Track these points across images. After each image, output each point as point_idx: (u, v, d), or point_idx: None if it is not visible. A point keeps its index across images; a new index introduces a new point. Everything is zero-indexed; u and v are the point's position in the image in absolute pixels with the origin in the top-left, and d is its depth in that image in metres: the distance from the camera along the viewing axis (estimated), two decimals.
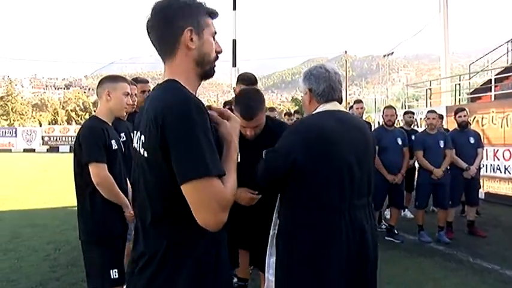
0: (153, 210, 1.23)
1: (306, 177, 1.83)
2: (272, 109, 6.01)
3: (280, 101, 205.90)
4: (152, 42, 1.31)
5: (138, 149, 1.28)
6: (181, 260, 1.21)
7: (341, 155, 1.83)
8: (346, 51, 37.02)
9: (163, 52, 1.30)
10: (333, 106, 1.95)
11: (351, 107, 7.10)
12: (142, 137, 1.22)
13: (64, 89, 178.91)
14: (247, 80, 2.99)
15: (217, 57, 1.36)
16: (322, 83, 1.95)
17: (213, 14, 1.34)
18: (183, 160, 1.12)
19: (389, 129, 5.59)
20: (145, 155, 1.21)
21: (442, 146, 5.46)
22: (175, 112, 1.14)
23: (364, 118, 6.84)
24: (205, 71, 1.34)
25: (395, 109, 5.88)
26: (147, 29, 1.29)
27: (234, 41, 14.66)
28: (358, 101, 6.70)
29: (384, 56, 28.31)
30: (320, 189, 1.82)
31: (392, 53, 28.06)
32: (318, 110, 1.96)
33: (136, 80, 3.61)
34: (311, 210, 1.83)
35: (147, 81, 3.79)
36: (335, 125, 1.87)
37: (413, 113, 7.02)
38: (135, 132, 1.35)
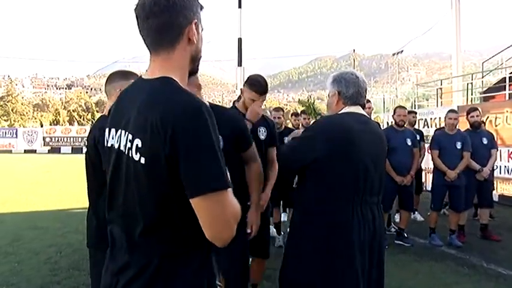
0: (146, 220, 1.16)
1: (325, 172, 2.03)
2: (278, 109, 5.98)
3: (287, 101, 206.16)
4: (145, 29, 1.20)
5: (126, 152, 1.18)
6: (178, 271, 1.16)
7: (359, 155, 2.03)
8: (354, 50, 37.04)
9: (160, 43, 1.20)
10: (356, 109, 2.18)
11: None
12: (137, 141, 1.13)
13: (66, 88, 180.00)
14: (259, 87, 2.80)
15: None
16: (352, 87, 2.18)
17: (202, 8, 1.28)
18: (197, 172, 1.07)
19: (399, 130, 5.57)
20: (142, 161, 1.12)
21: (459, 147, 5.42)
22: (189, 119, 1.08)
23: (372, 118, 6.80)
24: (194, 68, 1.29)
25: (406, 109, 5.86)
26: (146, 14, 1.18)
27: (240, 40, 14.68)
28: (366, 101, 6.65)
29: (393, 54, 28.21)
30: (336, 184, 2.02)
31: (402, 51, 27.95)
32: (343, 111, 2.18)
33: None
34: (326, 201, 2.03)
35: None
36: (356, 127, 2.07)
37: (415, 113, 7.04)
38: (115, 130, 1.25)
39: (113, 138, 1.26)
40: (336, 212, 2.01)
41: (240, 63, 14.66)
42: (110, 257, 1.27)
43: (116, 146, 1.23)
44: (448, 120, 5.58)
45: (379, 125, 6.81)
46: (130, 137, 1.16)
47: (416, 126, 7.04)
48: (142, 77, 1.26)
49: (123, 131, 1.20)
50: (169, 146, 1.07)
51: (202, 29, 1.28)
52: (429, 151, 5.66)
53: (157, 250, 1.16)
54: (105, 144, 1.31)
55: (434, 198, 5.55)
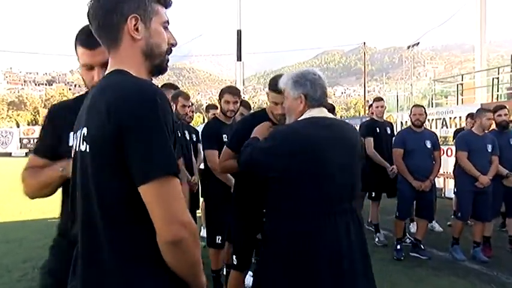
0: (110, 216, 1.17)
1: (289, 185, 2.10)
2: None
3: None
4: (94, 32, 1.30)
5: (78, 149, 1.25)
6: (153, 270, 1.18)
7: (325, 163, 2.09)
8: (364, 43, 37.00)
9: (107, 43, 1.29)
10: (319, 112, 2.22)
11: (370, 106, 7.02)
12: (84, 130, 1.21)
13: (46, 85, 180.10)
14: (273, 85, 2.75)
15: (170, 50, 1.37)
16: (319, 88, 2.23)
17: (165, 2, 1.34)
18: (144, 155, 1.11)
19: (418, 131, 5.54)
20: (87, 149, 1.19)
21: (489, 150, 5.36)
22: (135, 99, 1.14)
23: (384, 118, 6.76)
24: (155, 65, 1.33)
25: (424, 108, 5.80)
26: (88, 19, 1.29)
27: (239, 32, 14.64)
28: (378, 99, 6.64)
29: (408, 47, 28.18)
30: (303, 197, 2.08)
31: (418, 43, 27.92)
32: (304, 116, 2.23)
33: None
34: (294, 218, 2.09)
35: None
36: (321, 133, 2.13)
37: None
38: (73, 133, 1.33)
39: (73, 141, 1.33)
40: (302, 225, 2.06)
41: (239, 58, 14.62)
42: (73, 271, 1.27)
43: (75, 146, 1.29)
44: (485, 122, 5.39)
45: (392, 126, 6.78)
46: (82, 130, 1.23)
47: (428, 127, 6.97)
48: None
49: (80, 130, 1.26)
50: (112, 127, 1.12)
51: (167, 22, 1.34)
52: (446, 153, 5.58)
53: (125, 249, 1.16)
54: (74, 151, 1.33)
55: (461, 206, 5.44)
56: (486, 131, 5.48)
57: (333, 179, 2.10)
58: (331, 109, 5.35)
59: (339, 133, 2.20)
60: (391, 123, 6.98)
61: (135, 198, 1.13)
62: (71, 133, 1.36)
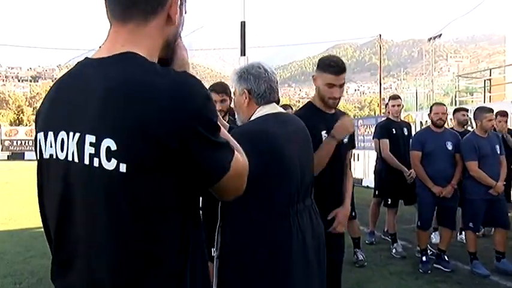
0: (120, 254, 1.08)
1: (254, 186, 2.00)
2: (286, 106, 5.91)
3: (299, 97, 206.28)
4: None
5: (83, 161, 1.07)
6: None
7: (289, 159, 2.17)
8: (380, 35, 36.80)
9: (130, 12, 1.13)
10: (273, 109, 2.27)
11: (386, 104, 7.00)
12: (108, 142, 1.03)
13: (31, 81, 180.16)
14: (335, 67, 2.92)
15: None
16: (263, 83, 2.23)
17: None
18: (211, 160, 1.11)
19: (437, 131, 5.51)
20: (122, 169, 1.02)
21: (498, 151, 5.37)
22: (194, 103, 1.05)
23: (402, 118, 6.74)
24: (167, 55, 1.23)
25: (445, 106, 5.77)
26: None
27: (243, 24, 14.63)
28: (395, 97, 6.63)
29: (429, 39, 28.15)
30: (268, 197, 2.14)
31: (440, 35, 27.88)
32: (259, 114, 2.26)
33: None
34: (259, 221, 2.13)
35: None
36: (280, 130, 2.20)
37: (466, 110, 6.90)
38: (53, 134, 1.14)
39: (51, 146, 1.14)
40: (272, 233, 2.13)
41: (243, 52, 14.59)
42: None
43: (61, 155, 1.12)
44: (486, 123, 5.33)
45: (410, 126, 6.76)
46: (91, 138, 1.05)
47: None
48: (90, 56, 1.18)
49: (72, 133, 1.09)
50: (174, 142, 1.03)
51: (185, 12, 1.25)
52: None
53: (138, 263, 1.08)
54: (41, 156, 1.18)
55: (473, 216, 5.37)
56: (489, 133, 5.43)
57: (296, 176, 2.19)
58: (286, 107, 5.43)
59: (294, 128, 2.31)
60: (409, 124, 6.96)
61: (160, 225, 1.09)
62: (47, 133, 1.16)
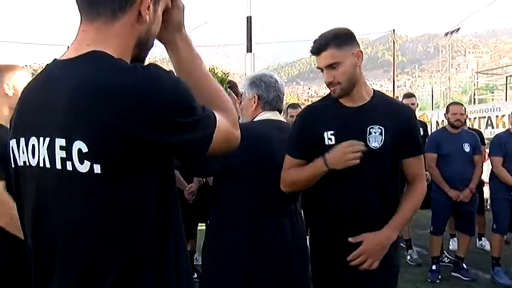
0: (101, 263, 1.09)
1: (246, 180, 2.40)
2: (296, 106, 5.89)
3: (308, 96, 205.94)
4: None
5: (54, 166, 1.07)
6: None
7: (275, 162, 2.36)
8: (394, 30, 36.72)
9: (97, 8, 1.12)
10: (274, 115, 2.55)
11: None
12: (79, 144, 1.03)
13: None
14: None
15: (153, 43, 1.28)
16: (272, 91, 2.53)
17: None
18: (192, 140, 1.13)
19: (454, 132, 5.50)
20: (97, 169, 1.03)
21: None
22: (161, 101, 1.05)
23: (417, 117, 6.73)
24: (141, 55, 1.23)
25: (464, 107, 5.74)
26: None
27: (249, 19, 14.66)
28: (408, 95, 6.62)
29: (446, 34, 28.03)
30: (256, 193, 2.40)
31: (458, 29, 27.73)
32: (259, 118, 2.54)
33: None
34: (250, 209, 2.40)
35: None
36: (275, 134, 2.46)
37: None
38: (24, 140, 1.14)
39: (24, 153, 1.14)
40: (257, 222, 2.40)
41: (249, 49, 14.62)
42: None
43: (33, 161, 1.12)
44: None
45: (426, 126, 6.73)
46: (61, 142, 1.05)
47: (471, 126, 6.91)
48: (58, 58, 1.18)
49: (42, 138, 1.09)
50: (151, 135, 1.06)
51: (162, 9, 1.23)
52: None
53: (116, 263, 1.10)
54: (16, 164, 1.19)
55: (498, 217, 5.38)
56: None
57: (278, 178, 2.37)
58: None
59: (287, 137, 2.43)
60: (424, 123, 6.92)
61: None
62: (19, 139, 1.16)
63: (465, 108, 5.70)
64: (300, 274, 2.52)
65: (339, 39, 2.25)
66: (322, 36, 2.30)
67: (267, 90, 2.52)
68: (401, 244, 6.53)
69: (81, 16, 1.16)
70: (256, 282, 2.36)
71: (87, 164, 1.03)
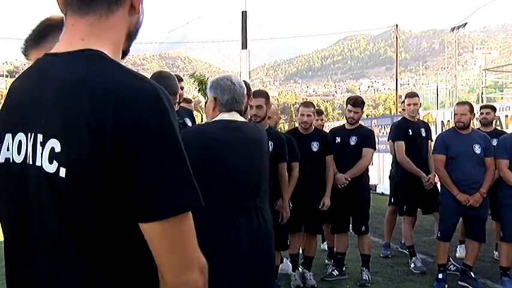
0: (82, 264, 1.07)
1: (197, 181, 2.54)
2: (308, 104, 5.88)
3: (307, 95, 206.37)
4: None
5: (34, 163, 1.08)
6: None
7: (225, 160, 2.76)
8: (397, 25, 36.85)
9: (90, 2, 1.13)
10: (230, 116, 2.88)
11: (403, 102, 7.02)
12: (53, 143, 1.04)
13: (7, 76, 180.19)
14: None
15: None
16: (227, 93, 2.86)
17: None
18: (160, 183, 1.03)
19: (463, 133, 5.49)
20: (61, 173, 1.03)
21: None
22: (143, 108, 1.03)
23: (421, 117, 6.76)
24: (128, 48, 1.26)
25: (470, 105, 5.73)
26: None
27: (244, 14, 14.67)
28: (411, 95, 6.66)
29: (452, 29, 28.01)
30: (204, 192, 2.34)
31: (465, 24, 27.69)
32: (216, 118, 2.90)
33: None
34: (201, 217, 2.42)
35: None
36: (224, 133, 2.82)
37: (493, 108, 6.89)
38: (11, 135, 1.14)
39: (8, 150, 1.15)
40: (205, 222, 2.58)
41: (244, 45, 14.64)
42: None
43: (18, 158, 1.12)
44: None
45: (428, 126, 6.72)
46: (40, 138, 1.07)
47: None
48: (49, 52, 1.17)
49: (29, 134, 1.10)
50: (111, 147, 1.01)
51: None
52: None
53: None
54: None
55: (505, 224, 5.36)
56: None
57: (234, 178, 2.77)
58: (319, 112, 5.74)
59: (245, 135, 2.89)
60: (427, 124, 6.93)
61: (127, 238, 1.08)
62: (3, 135, 1.16)
63: (472, 108, 5.62)
64: (257, 267, 2.80)
65: None
66: None
67: (222, 93, 2.87)
68: (405, 251, 6.55)
69: (67, 8, 1.15)
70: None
71: (55, 164, 1.04)
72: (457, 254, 6.41)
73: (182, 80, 5.16)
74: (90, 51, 1.11)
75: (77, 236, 1.06)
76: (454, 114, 5.61)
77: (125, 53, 1.25)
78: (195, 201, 1.09)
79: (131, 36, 1.24)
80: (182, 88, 5.05)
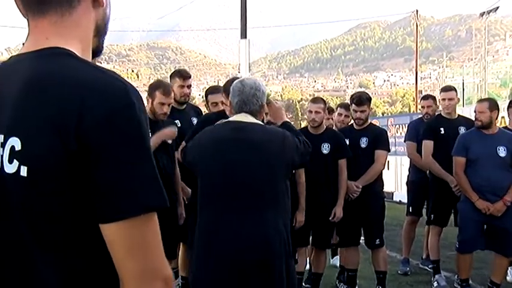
0: (43, 267, 1.12)
1: (199, 177, 3.42)
2: (318, 100, 5.86)
3: (314, 90, 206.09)
4: None
5: None
6: None
7: (224, 158, 3.27)
8: (417, 11, 36.87)
9: (58, 2, 1.18)
10: (238, 117, 3.36)
11: (422, 98, 7.12)
12: (13, 141, 1.09)
13: None
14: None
15: None
16: (236, 96, 3.36)
17: None
18: (122, 180, 1.08)
19: (487, 133, 5.49)
20: (22, 172, 1.08)
21: None
22: (108, 103, 1.09)
23: (457, 113, 6.66)
24: (100, 44, 1.33)
25: (492, 102, 5.72)
26: None
27: (244, 0, 14.70)
28: (446, 88, 6.76)
29: (481, 14, 28.01)
30: (204, 190, 3.34)
31: (497, 8, 27.65)
32: (229, 119, 3.51)
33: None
34: (201, 207, 3.34)
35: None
36: (228, 133, 3.37)
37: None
38: None
39: None
40: (203, 220, 3.30)
41: (244, 34, 14.67)
42: None
43: None
44: None
45: (472, 124, 6.61)
46: (1, 139, 1.12)
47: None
48: (16, 53, 1.25)
49: None
50: (74, 141, 1.06)
51: None
52: None
53: None
54: None
55: None
56: None
57: (230, 175, 3.24)
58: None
59: (246, 136, 3.30)
60: (472, 122, 6.52)
61: (90, 237, 1.12)
62: None
63: (494, 105, 5.54)
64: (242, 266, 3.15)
65: None
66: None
67: (233, 96, 3.40)
68: (426, 267, 6.55)
69: (27, 11, 1.21)
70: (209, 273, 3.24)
71: (15, 164, 1.08)
72: (508, 278, 6.19)
73: (190, 77, 5.51)
74: (57, 48, 1.17)
75: (42, 240, 1.11)
76: (474, 111, 5.62)
77: (97, 51, 1.33)
78: (159, 201, 1.12)
79: (100, 30, 1.30)
80: (190, 86, 5.34)
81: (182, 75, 5.43)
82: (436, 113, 6.77)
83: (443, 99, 6.39)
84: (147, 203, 1.10)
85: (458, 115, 6.57)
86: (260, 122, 3.45)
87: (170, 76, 5.56)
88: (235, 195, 3.21)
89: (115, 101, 1.10)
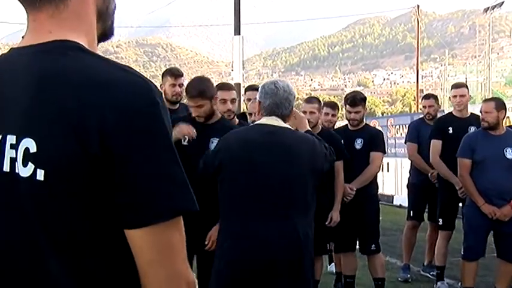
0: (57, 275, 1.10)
1: (225, 184, 3.45)
2: (312, 100, 5.86)
3: (311, 89, 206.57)
4: None
5: (4, 169, 1.10)
6: None
7: (256, 167, 3.35)
8: (418, 6, 36.97)
9: None
10: (269, 120, 3.43)
11: (424, 98, 7.14)
12: (28, 142, 1.06)
13: None
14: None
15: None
16: (269, 98, 3.43)
17: None
18: (149, 185, 1.07)
19: (494, 134, 5.49)
20: (39, 176, 1.05)
21: None
22: (131, 103, 1.08)
23: (468, 112, 6.68)
24: (106, 29, 1.29)
25: (498, 101, 5.72)
26: None
27: None
28: (458, 85, 6.84)
29: (486, 10, 28.11)
30: (233, 195, 3.42)
31: (502, 3, 27.75)
32: (257, 122, 3.61)
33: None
34: (226, 213, 3.46)
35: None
36: (259, 137, 3.43)
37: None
38: None
39: None
40: (230, 226, 3.40)
41: (237, 31, 14.68)
42: None
43: None
44: None
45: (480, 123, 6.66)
46: (11, 139, 1.09)
47: None
48: (15, 47, 1.22)
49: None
50: (97, 143, 1.04)
51: None
52: None
53: None
54: None
55: None
56: None
57: (263, 179, 3.33)
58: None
59: (276, 140, 3.40)
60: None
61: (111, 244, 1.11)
62: None
63: (500, 104, 5.54)
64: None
65: None
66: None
67: (265, 97, 3.44)
68: (428, 274, 6.55)
69: (25, 8, 1.18)
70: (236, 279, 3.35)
71: (30, 167, 1.06)
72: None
73: (182, 75, 5.57)
74: (64, 42, 1.14)
75: (57, 242, 1.09)
76: (480, 112, 5.63)
77: (104, 36, 1.30)
78: (188, 204, 1.11)
79: (103, 14, 1.25)
80: (181, 85, 5.35)
81: (174, 73, 5.47)
82: (447, 111, 6.80)
83: (455, 96, 6.40)
84: (177, 207, 1.10)
85: (471, 113, 6.57)
86: (290, 127, 3.56)
87: (162, 75, 5.60)
88: (266, 199, 3.32)
89: (139, 101, 1.09)
